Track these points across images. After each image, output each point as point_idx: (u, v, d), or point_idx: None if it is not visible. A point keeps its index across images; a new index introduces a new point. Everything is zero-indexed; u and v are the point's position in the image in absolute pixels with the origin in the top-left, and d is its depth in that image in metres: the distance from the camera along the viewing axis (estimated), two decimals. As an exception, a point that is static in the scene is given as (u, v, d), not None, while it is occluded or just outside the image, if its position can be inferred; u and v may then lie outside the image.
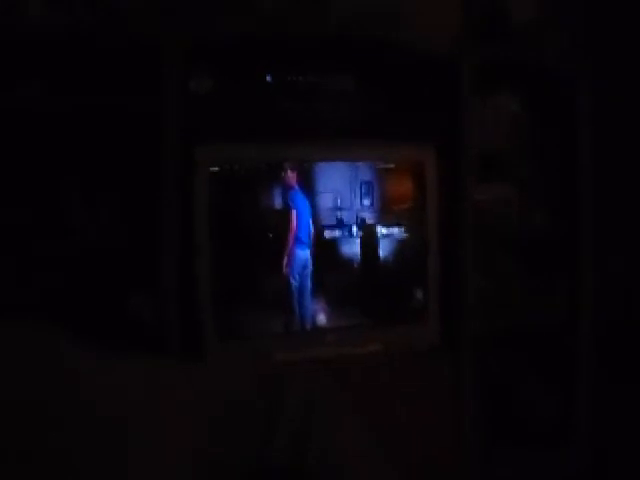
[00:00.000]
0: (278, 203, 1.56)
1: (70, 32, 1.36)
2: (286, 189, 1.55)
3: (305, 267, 1.57)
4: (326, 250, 1.60)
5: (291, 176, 1.55)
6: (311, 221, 1.58)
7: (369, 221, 1.63)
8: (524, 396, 1.90)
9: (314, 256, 1.58)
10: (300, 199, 1.57)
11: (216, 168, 1.48)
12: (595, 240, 1.84)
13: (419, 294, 1.67)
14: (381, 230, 1.64)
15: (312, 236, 1.58)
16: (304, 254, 1.57)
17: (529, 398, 1.90)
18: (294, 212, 1.56)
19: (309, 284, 1.57)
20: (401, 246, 1.67)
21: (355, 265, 1.63)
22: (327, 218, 1.60)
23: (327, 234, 1.59)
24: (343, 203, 1.61)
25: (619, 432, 1.90)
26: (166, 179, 1.43)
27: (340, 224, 1.61)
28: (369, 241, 1.64)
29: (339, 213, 1.60)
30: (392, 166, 1.65)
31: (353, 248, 1.62)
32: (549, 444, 1.87)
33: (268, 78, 1.57)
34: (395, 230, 1.65)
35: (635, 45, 1.93)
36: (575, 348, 1.86)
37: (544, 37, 1.80)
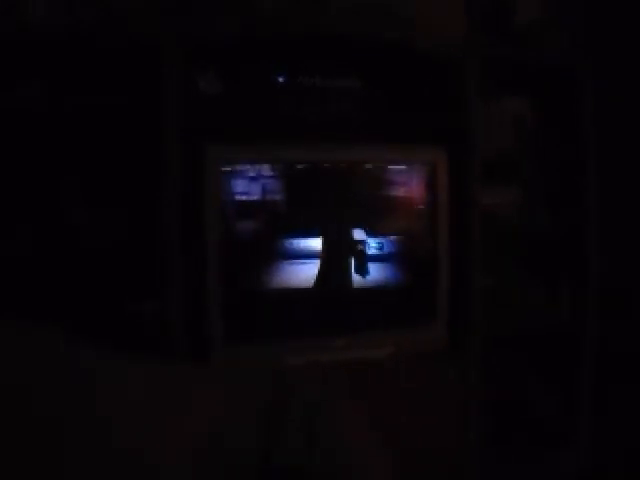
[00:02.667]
0: (287, 204, 1.55)
1: (70, 32, 1.36)
2: (296, 191, 1.55)
3: (314, 270, 1.57)
4: (335, 252, 1.59)
5: (300, 177, 1.55)
6: (320, 223, 1.57)
7: (378, 222, 1.63)
8: (525, 396, 1.90)
9: (324, 259, 1.57)
10: (310, 201, 1.56)
11: (228, 168, 1.47)
12: (599, 241, 1.84)
13: (428, 296, 1.66)
14: (390, 231, 1.63)
15: (322, 239, 1.57)
16: (314, 256, 1.56)
17: (530, 398, 1.90)
18: (303, 214, 1.56)
19: (318, 287, 1.57)
20: (411, 248, 1.66)
21: (363, 268, 1.62)
22: (336, 220, 1.59)
23: (336, 236, 1.58)
24: (352, 204, 1.60)
25: (619, 432, 1.90)
26: (166, 178, 1.43)
27: (349, 226, 1.60)
28: (378, 242, 1.63)
29: (348, 215, 1.60)
30: (403, 167, 1.65)
31: (362, 250, 1.62)
32: (550, 444, 1.87)
33: (275, 78, 1.57)
34: (404, 232, 1.65)
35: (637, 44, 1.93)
36: (577, 349, 1.86)
37: (549, 38, 1.80)
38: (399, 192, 1.65)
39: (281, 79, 1.58)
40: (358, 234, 1.60)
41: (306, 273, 1.55)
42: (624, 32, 1.95)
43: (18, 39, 1.34)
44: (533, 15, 1.82)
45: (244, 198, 1.50)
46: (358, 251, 1.60)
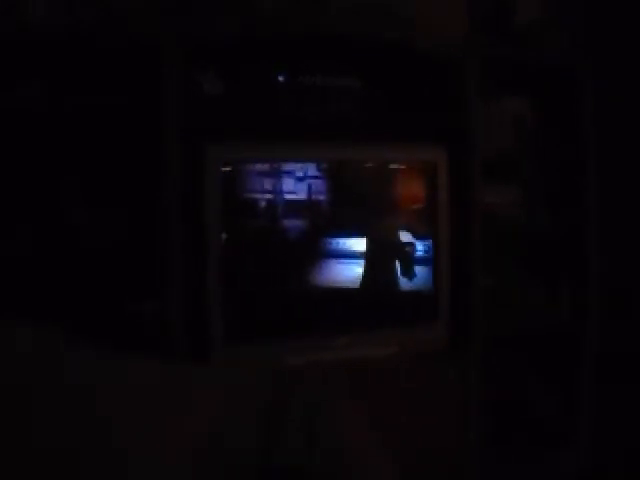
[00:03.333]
0: (289, 205, 1.54)
1: (70, 32, 1.36)
2: (298, 190, 1.54)
3: (316, 269, 1.56)
4: (336, 252, 1.59)
5: (302, 177, 1.55)
6: (322, 223, 1.57)
7: (378, 223, 1.62)
8: (525, 396, 1.90)
9: (325, 258, 1.57)
10: (310, 200, 1.56)
11: (228, 168, 1.47)
12: (599, 241, 1.84)
13: (429, 296, 1.66)
14: (391, 231, 1.63)
15: (323, 238, 1.57)
16: (315, 256, 1.56)
17: (530, 398, 1.90)
18: (305, 214, 1.55)
19: (320, 287, 1.56)
20: (411, 248, 1.66)
21: (365, 268, 1.62)
22: (337, 220, 1.58)
23: (337, 236, 1.58)
24: (353, 205, 1.60)
25: (619, 432, 1.90)
26: (166, 178, 1.43)
27: (350, 226, 1.59)
28: (379, 243, 1.63)
29: (349, 215, 1.60)
30: (403, 167, 1.64)
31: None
32: (550, 444, 1.87)
33: (275, 78, 1.57)
34: (405, 232, 1.64)
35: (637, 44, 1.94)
36: (577, 349, 1.86)
37: (549, 38, 1.80)
38: (400, 191, 1.65)
39: (281, 79, 1.58)
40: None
41: (304, 273, 1.56)
42: (624, 32, 1.95)
43: (18, 39, 1.34)
44: (533, 15, 1.82)
45: (243, 196, 1.50)
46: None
